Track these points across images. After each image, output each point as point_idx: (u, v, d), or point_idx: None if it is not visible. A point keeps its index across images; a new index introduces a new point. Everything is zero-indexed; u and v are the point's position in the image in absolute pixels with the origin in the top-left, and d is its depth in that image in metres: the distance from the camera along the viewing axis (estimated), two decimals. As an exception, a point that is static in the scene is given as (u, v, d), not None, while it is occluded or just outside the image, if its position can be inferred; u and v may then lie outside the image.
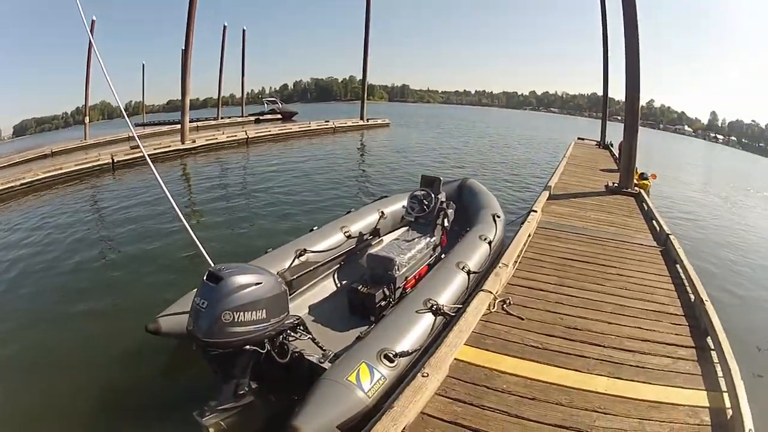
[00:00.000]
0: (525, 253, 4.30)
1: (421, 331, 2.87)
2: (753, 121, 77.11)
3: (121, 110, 3.70)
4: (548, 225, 5.42)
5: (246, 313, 2.20)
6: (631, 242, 5.03)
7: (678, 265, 4.27)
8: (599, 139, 15.24)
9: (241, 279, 2.22)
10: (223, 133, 17.77)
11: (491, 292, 3.23)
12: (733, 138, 76.06)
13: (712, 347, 2.87)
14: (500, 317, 3.12)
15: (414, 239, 4.25)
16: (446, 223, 4.50)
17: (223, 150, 15.78)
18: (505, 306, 3.21)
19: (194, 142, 15.00)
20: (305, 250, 3.84)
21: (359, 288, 3.60)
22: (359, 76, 25.70)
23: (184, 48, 14.53)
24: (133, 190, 9.68)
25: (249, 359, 2.37)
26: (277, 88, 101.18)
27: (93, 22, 19.10)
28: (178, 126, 23.06)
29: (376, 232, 4.89)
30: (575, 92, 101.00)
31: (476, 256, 3.98)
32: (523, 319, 3.09)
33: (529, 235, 4.78)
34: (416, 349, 2.72)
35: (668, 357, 2.79)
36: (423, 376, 2.23)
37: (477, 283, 3.64)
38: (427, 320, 2.96)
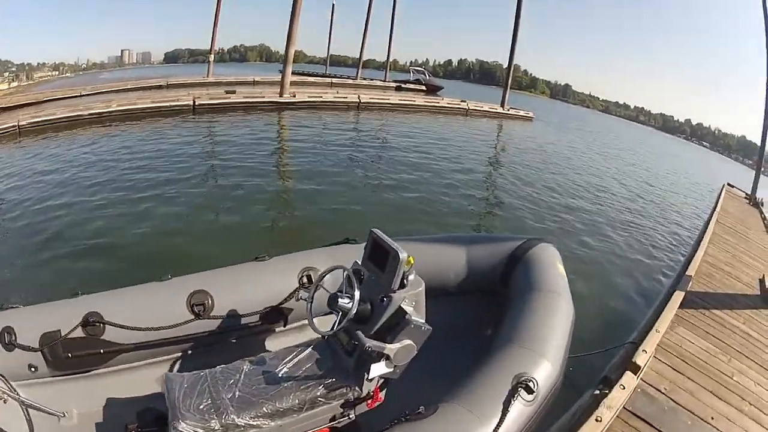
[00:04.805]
0: None
1: None
2: None
3: None
4: (653, 401, 2.27)
5: None
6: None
7: None
8: (750, 192, 11.21)
9: None
10: (338, 92, 16.83)
11: None
12: None
13: None
14: None
15: (303, 370, 1.89)
16: (380, 371, 1.81)
17: (326, 110, 14.62)
18: None
19: (294, 96, 14.21)
20: (96, 321, 2.07)
21: (129, 426, 1.85)
22: (524, 66, 24.40)
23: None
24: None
25: None
26: (441, 63, 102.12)
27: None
28: (318, 78, 23.29)
29: (276, 315, 2.44)
30: (728, 131, 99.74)
31: None
32: None
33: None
34: None
35: None
36: None
37: None
38: None
